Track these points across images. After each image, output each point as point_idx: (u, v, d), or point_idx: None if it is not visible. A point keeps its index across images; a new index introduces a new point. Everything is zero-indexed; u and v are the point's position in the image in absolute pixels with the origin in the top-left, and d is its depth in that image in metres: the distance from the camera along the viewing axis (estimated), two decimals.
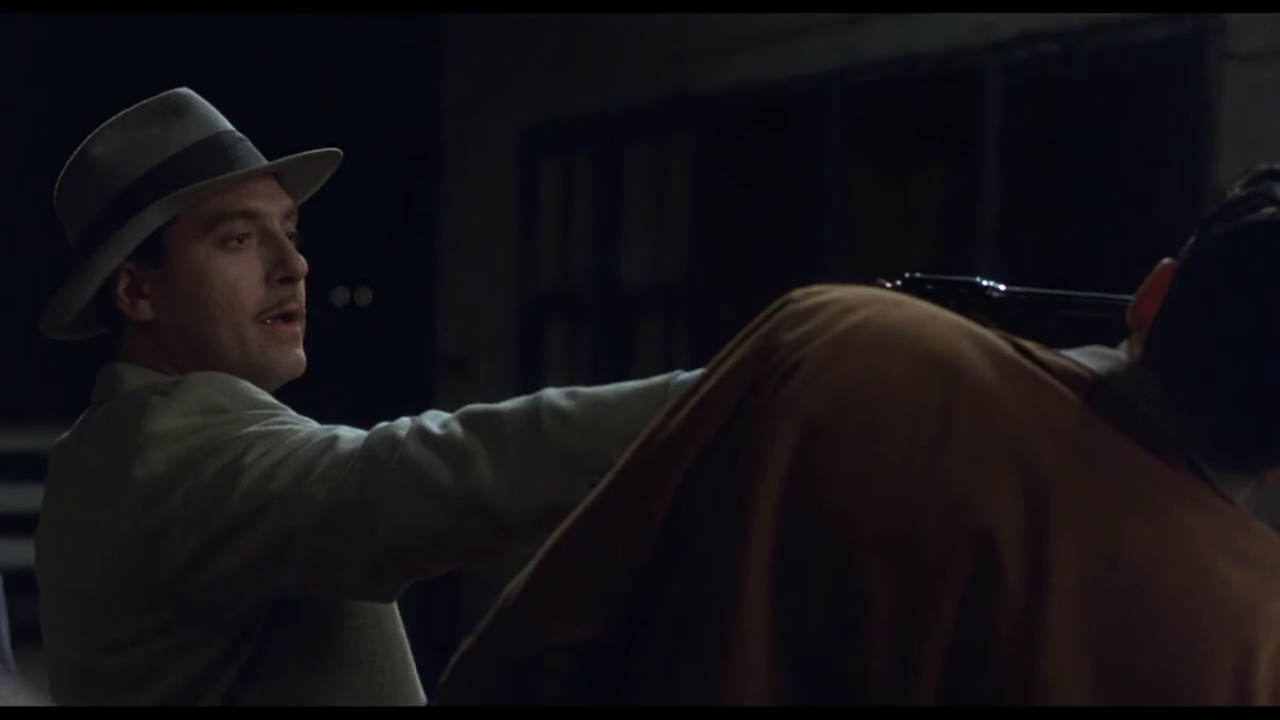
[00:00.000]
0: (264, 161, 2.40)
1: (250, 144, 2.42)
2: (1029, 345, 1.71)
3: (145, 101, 2.42)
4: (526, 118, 10.25)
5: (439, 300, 11.19)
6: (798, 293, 1.75)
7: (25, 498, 5.56)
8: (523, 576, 1.74)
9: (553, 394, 2.17)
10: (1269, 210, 1.66)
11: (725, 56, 8.81)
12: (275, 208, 2.37)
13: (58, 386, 5.53)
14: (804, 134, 8.49)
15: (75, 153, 2.41)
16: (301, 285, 2.37)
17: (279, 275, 2.35)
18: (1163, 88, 6.90)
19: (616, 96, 9.63)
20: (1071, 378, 1.69)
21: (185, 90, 2.43)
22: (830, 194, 8.24)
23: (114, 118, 2.42)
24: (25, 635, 2.27)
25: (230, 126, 2.42)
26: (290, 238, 2.39)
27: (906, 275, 2.10)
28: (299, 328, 2.38)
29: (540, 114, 10.16)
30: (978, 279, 2.11)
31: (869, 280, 1.92)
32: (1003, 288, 2.10)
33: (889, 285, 2.06)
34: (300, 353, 2.38)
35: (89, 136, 2.41)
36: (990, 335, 1.72)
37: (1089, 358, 1.72)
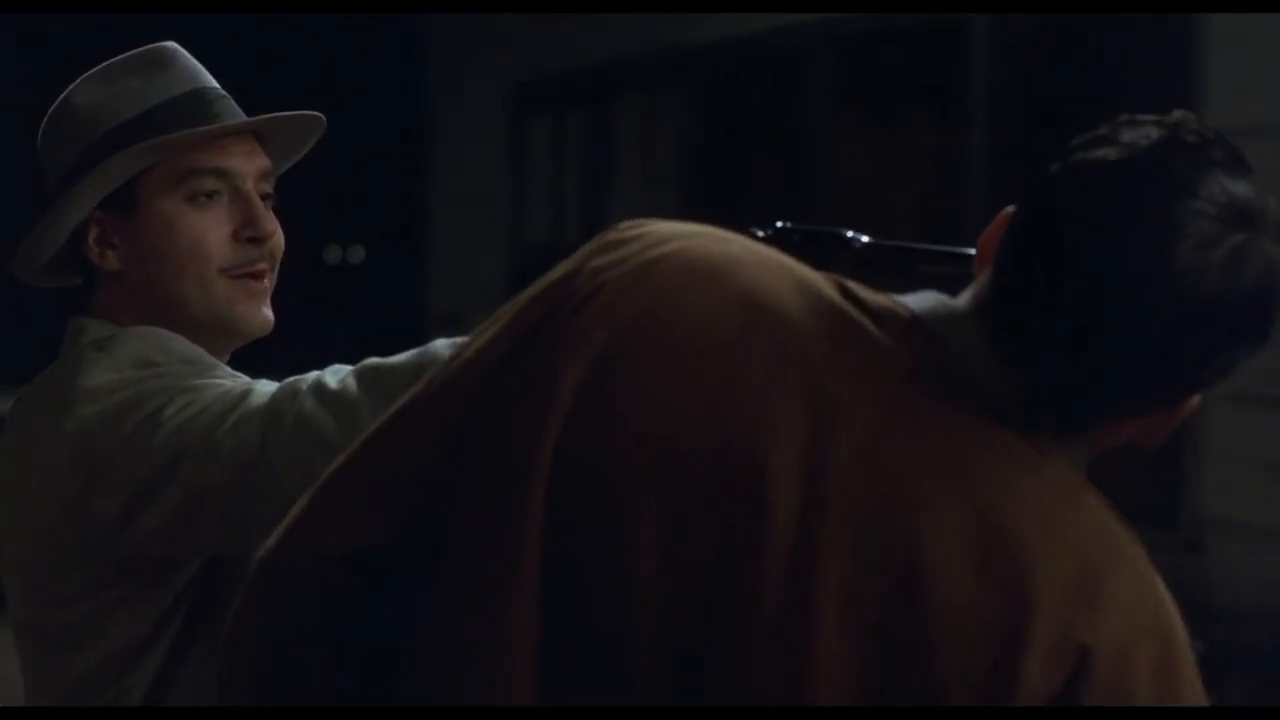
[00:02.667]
0: (244, 119, 2.40)
1: (232, 102, 2.39)
2: (853, 286, 1.64)
3: (129, 53, 2.40)
4: (515, 74, 10.24)
5: (430, 257, 11.20)
6: (624, 223, 1.70)
7: None
8: (313, 488, 1.71)
9: (441, 344, 2.14)
10: (1106, 153, 1.57)
11: (713, 10, 8.80)
12: (250, 167, 2.35)
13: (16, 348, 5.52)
14: (793, 87, 8.49)
15: (57, 101, 2.40)
16: (273, 247, 2.36)
17: (246, 234, 2.33)
18: (1150, 36, 6.90)
19: (605, 52, 9.62)
20: (889, 317, 1.61)
21: (170, 44, 2.42)
22: (819, 146, 8.24)
23: (97, 68, 2.40)
24: None
25: (213, 83, 2.40)
26: (265, 198, 2.37)
27: (778, 225, 2.07)
28: (267, 285, 2.37)
29: (529, 70, 10.15)
30: (844, 230, 2.07)
31: (744, 230, 1.87)
32: (865, 239, 2.06)
33: (760, 235, 2.03)
34: (268, 311, 2.36)
35: (71, 85, 2.40)
36: (813, 274, 1.65)
37: (919, 301, 1.64)
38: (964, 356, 1.59)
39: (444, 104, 11.06)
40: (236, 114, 2.38)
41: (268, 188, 2.38)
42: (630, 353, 1.59)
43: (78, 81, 2.39)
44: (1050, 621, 1.51)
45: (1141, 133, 1.58)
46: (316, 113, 2.44)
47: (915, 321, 1.61)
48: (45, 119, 2.40)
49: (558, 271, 1.67)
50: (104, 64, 2.40)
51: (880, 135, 8.30)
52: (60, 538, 2.23)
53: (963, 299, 1.64)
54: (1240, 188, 1.57)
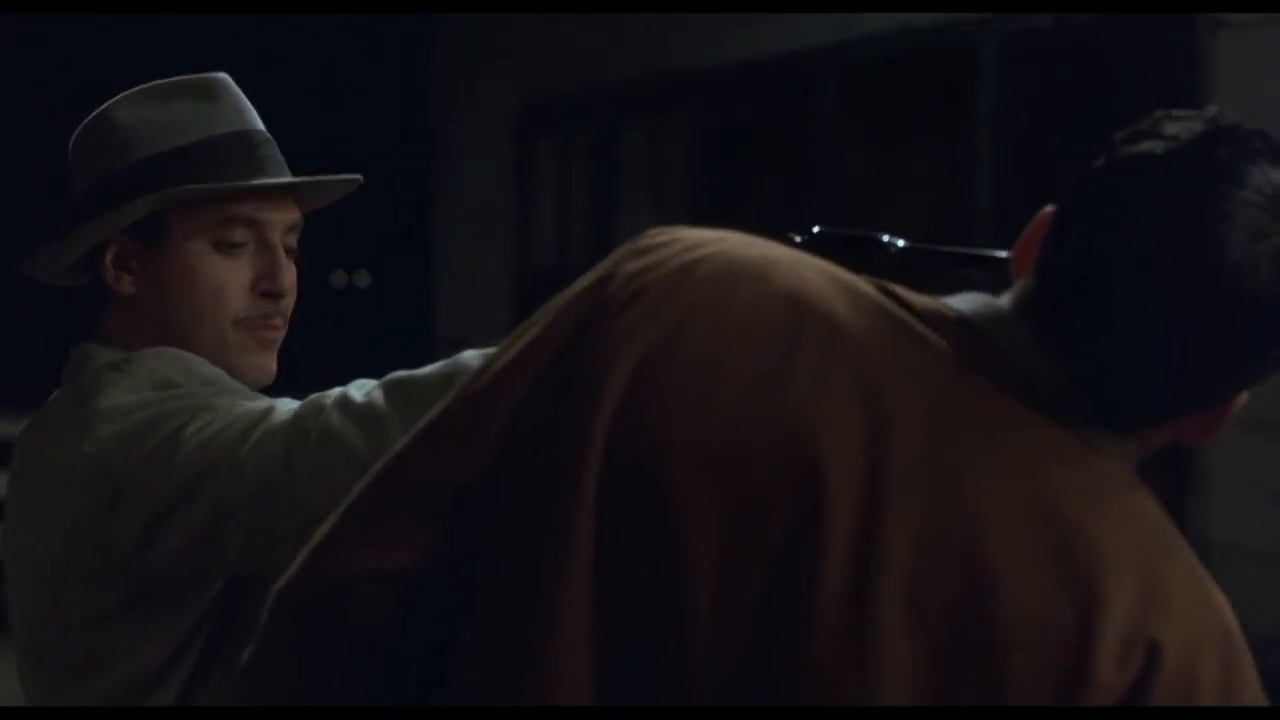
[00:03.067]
0: (285, 169, 2.37)
1: (275, 149, 2.38)
2: (896, 288, 1.61)
3: (179, 78, 2.39)
4: (523, 97, 10.25)
5: (436, 280, 11.20)
6: (651, 231, 1.67)
7: None
8: (341, 509, 1.66)
9: (470, 355, 2.12)
10: (1151, 146, 1.54)
11: (721, 32, 8.81)
12: (279, 219, 2.35)
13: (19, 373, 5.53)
14: (800, 108, 8.49)
15: (101, 109, 2.38)
16: (286, 301, 2.35)
17: (264, 287, 2.32)
18: (1156, 56, 6.90)
19: (611, 74, 9.63)
20: (936, 318, 1.58)
21: (221, 75, 2.41)
22: (827, 167, 8.24)
23: (143, 87, 2.38)
24: None
25: (259, 124, 2.39)
26: (289, 251, 2.37)
27: (814, 230, 2.05)
28: (276, 336, 2.37)
29: (536, 93, 10.16)
30: (880, 235, 2.05)
31: (781, 236, 1.84)
32: (901, 243, 2.05)
33: (797, 240, 2.01)
34: (272, 362, 2.36)
35: (118, 96, 2.38)
36: (854, 277, 1.62)
37: (965, 302, 1.61)
38: (1014, 355, 1.56)
39: (450, 127, 11.06)
40: (278, 164, 2.37)
41: (293, 240, 2.37)
42: (677, 354, 1.56)
43: (121, 96, 2.37)
44: (1121, 620, 1.49)
45: (1183, 126, 1.56)
46: (356, 176, 2.43)
47: (963, 321, 1.58)
48: (83, 125, 2.39)
49: (589, 278, 1.64)
50: (150, 84, 2.38)
51: (887, 156, 8.30)
52: (77, 561, 2.22)
53: (1005, 299, 1.61)
54: None
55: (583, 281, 1.64)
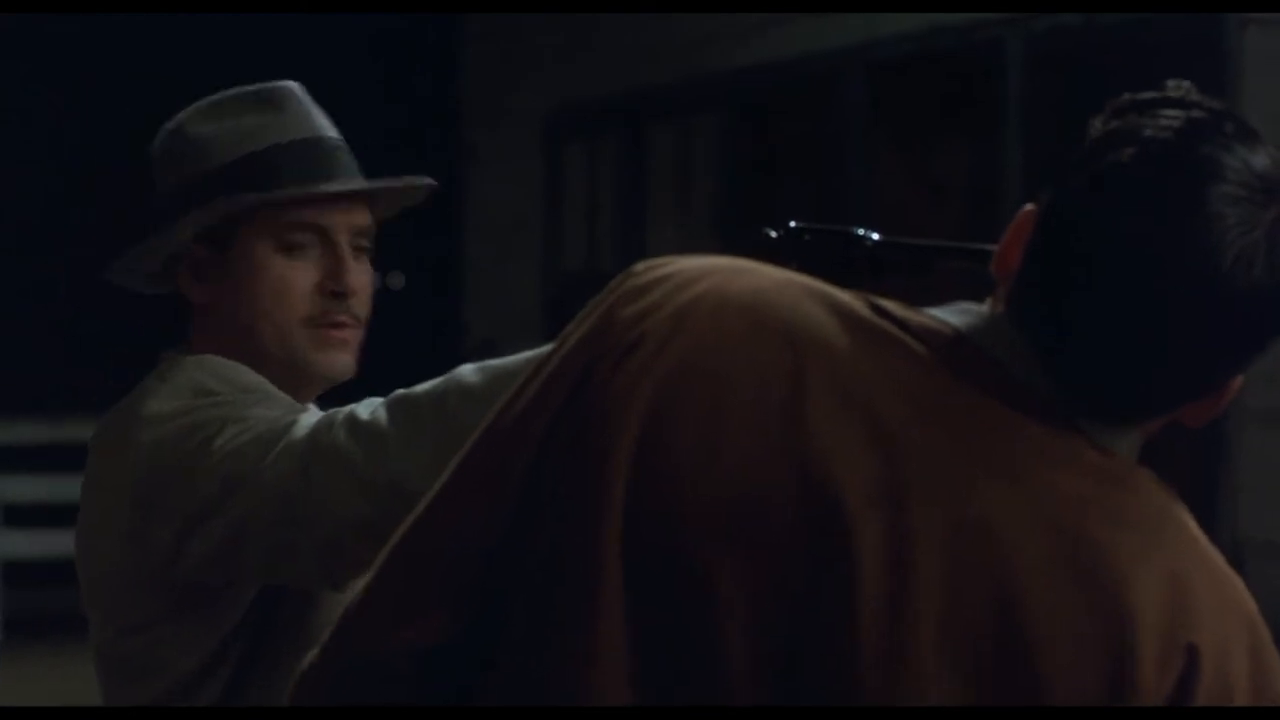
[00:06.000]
0: (356, 174, 2.41)
1: (344, 154, 2.42)
2: (887, 304, 1.60)
3: (248, 88, 2.44)
4: (551, 101, 10.27)
5: (467, 284, 11.22)
6: (639, 266, 1.65)
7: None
8: (367, 578, 1.64)
9: (465, 370, 2.14)
10: (1130, 150, 1.54)
11: (746, 35, 8.82)
12: (345, 223, 2.38)
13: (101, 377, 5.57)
14: (827, 110, 8.50)
15: (174, 121, 2.43)
16: (358, 300, 2.37)
17: (330, 287, 2.36)
18: (1184, 55, 6.90)
19: (639, 79, 9.64)
20: (931, 335, 1.57)
21: (290, 84, 2.45)
22: (854, 170, 8.24)
23: (216, 96, 2.43)
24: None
25: (330, 131, 2.43)
26: (360, 250, 2.40)
27: (790, 225, 2.02)
28: (349, 335, 2.38)
29: (564, 98, 10.18)
30: (855, 229, 2.02)
31: (748, 227, 1.81)
32: (876, 236, 2.02)
33: (773, 234, 2.01)
34: (347, 358, 2.37)
35: (190, 107, 2.43)
36: (843, 296, 1.61)
37: (952, 314, 1.60)
38: (1013, 366, 1.57)
39: (480, 132, 11.09)
40: (347, 167, 2.40)
41: (364, 241, 2.40)
42: (682, 404, 1.55)
43: (194, 107, 2.42)
44: (1155, 628, 1.49)
45: (1160, 122, 1.55)
46: (428, 179, 2.46)
47: (958, 336, 1.58)
48: (159, 136, 2.43)
49: (586, 324, 1.62)
50: (220, 95, 2.43)
51: (914, 157, 8.30)
52: (124, 567, 2.25)
53: (996, 304, 1.61)
54: (1259, 160, 1.54)
55: (580, 328, 1.62)
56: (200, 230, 2.35)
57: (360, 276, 2.38)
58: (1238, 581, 1.57)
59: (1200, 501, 7.08)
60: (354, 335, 2.39)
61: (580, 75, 10.05)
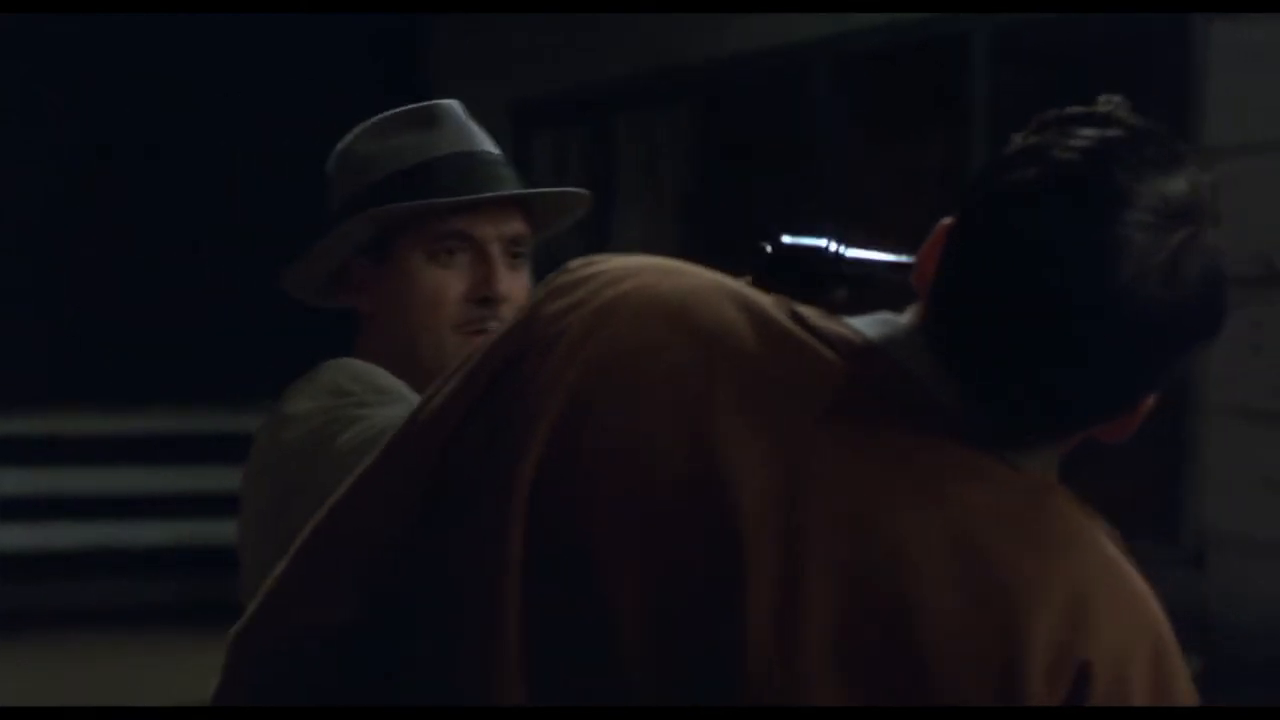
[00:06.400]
0: (508, 185, 2.49)
1: (500, 166, 2.50)
2: (806, 312, 1.62)
3: (409, 107, 2.54)
4: (517, 91, 10.26)
5: None
6: (573, 263, 1.68)
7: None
8: (286, 558, 1.70)
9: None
10: (1034, 170, 1.54)
11: (715, 27, 8.82)
12: (495, 231, 2.46)
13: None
14: (796, 103, 8.51)
15: (344, 141, 2.54)
16: (505, 307, 2.44)
17: (479, 294, 2.44)
18: (1150, 47, 6.91)
19: (607, 69, 9.64)
20: (843, 344, 1.59)
21: (446, 102, 2.54)
22: (824, 162, 8.25)
23: (381, 116, 2.54)
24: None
25: (484, 146, 2.52)
26: (515, 257, 2.48)
27: (782, 241, 2.06)
28: None
29: (531, 88, 10.17)
30: (825, 245, 2.04)
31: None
32: (848, 254, 2.03)
33: (769, 249, 2.04)
34: None
35: (359, 127, 2.53)
36: (764, 302, 1.63)
37: (871, 324, 1.62)
38: (922, 378, 1.57)
39: None
40: (507, 180, 2.49)
41: (520, 249, 2.49)
42: (600, 394, 1.58)
43: (359, 129, 2.54)
44: (1048, 645, 1.50)
45: (1071, 143, 1.55)
46: (581, 190, 2.56)
47: (869, 346, 1.60)
48: (330, 159, 2.55)
49: (512, 319, 1.66)
50: (385, 114, 2.55)
51: (885, 150, 8.31)
52: (266, 559, 2.33)
53: (911, 316, 1.62)
54: (1176, 184, 1.54)
55: (504, 326, 1.67)
56: (361, 243, 2.45)
57: (513, 284, 2.47)
58: (1148, 596, 1.57)
59: (1164, 494, 7.09)
60: None
61: (547, 65, 10.04)
